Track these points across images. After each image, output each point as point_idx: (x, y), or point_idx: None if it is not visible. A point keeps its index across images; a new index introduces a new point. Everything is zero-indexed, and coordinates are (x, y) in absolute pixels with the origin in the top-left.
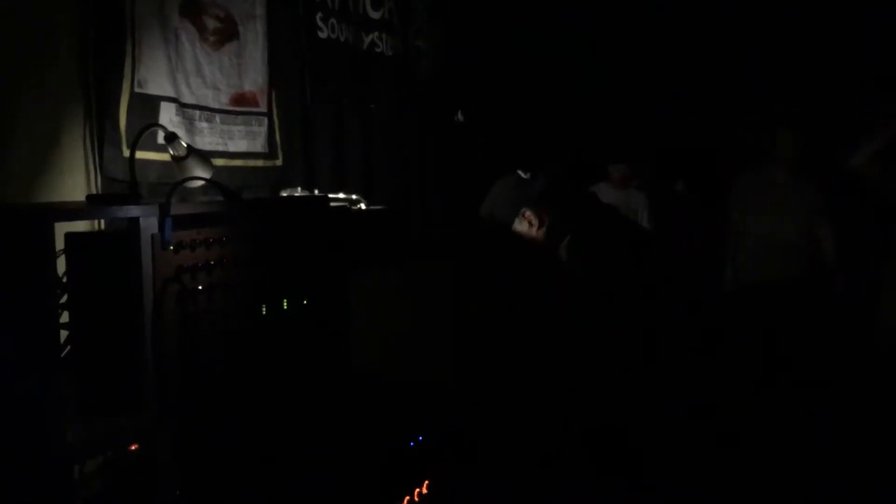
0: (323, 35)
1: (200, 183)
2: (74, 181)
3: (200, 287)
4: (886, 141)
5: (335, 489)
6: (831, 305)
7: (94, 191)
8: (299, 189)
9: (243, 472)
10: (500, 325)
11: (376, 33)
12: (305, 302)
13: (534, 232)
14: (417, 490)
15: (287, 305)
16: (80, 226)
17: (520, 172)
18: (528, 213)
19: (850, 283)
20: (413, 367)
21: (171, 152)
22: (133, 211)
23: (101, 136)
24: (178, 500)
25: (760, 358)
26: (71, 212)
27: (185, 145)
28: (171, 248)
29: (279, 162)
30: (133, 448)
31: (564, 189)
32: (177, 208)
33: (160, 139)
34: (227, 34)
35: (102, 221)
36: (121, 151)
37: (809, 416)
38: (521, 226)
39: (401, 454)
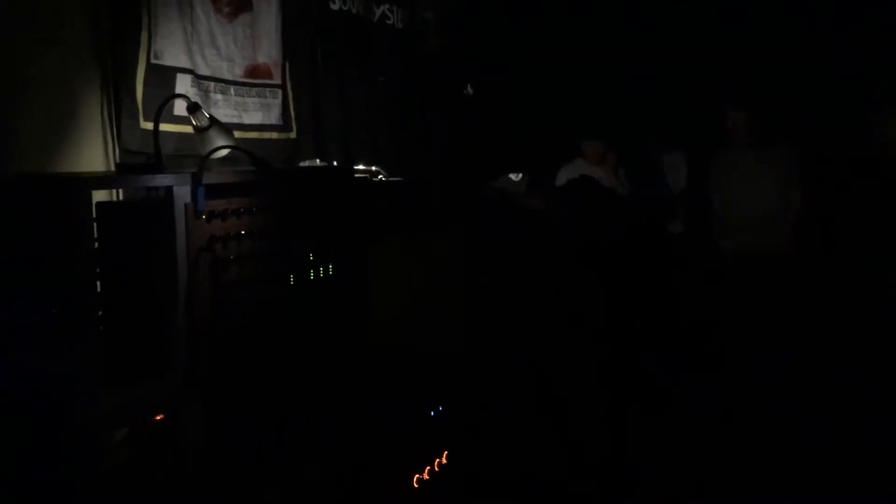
0: (335, 6)
1: (225, 153)
2: (91, 152)
3: (232, 256)
4: None
5: (357, 457)
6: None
7: (111, 162)
8: (318, 161)
9: (267, 435)
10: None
11: (386, 5)
12: (331, 271)
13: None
14: (437, 460)
15: (313, 274)
16: (100, 195)
17: (511, 176)
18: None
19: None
20: (431, 334)
21: (194, 123)
22: (167, 180)
23: (119, 107)
24: (205, 462)
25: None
26: (108, 180)
27: (207, 116)
28: (204, 216)
29: (293, 134)
30: (158, 418)
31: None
32: (209, 177)
33: (176, 111)
34: (240, 5)
35: (121, 192)
36: (138, 123)
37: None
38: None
39: (422, 424)
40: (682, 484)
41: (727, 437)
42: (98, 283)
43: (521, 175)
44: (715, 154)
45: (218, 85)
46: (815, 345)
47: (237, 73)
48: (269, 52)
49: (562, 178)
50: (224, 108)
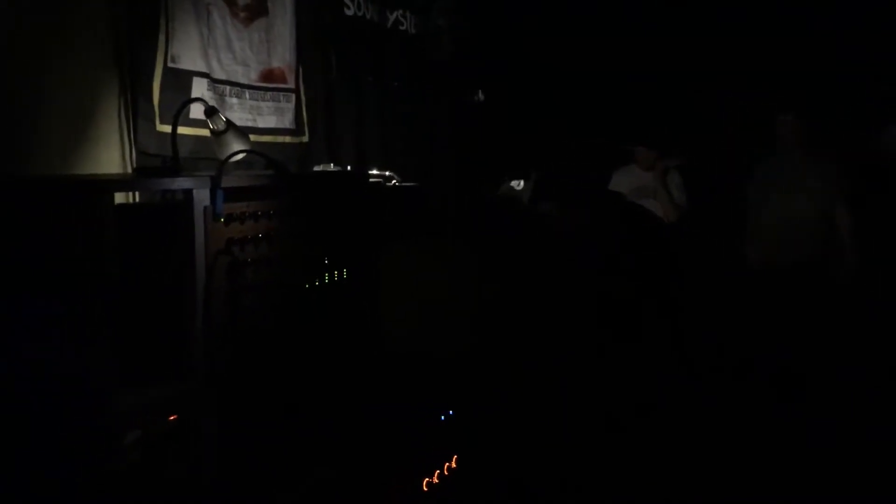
0: (349, 12)
1: (242, 156)
2: (109, 155)
3: (249, 259)
4: None
5: (367, 460)
6: (840, 286)
7: (128, 164)
8: (332, 165)
9: (279, 437)
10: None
11: (400, 11)
12: (345, 275)
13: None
14: (447, 464)
15: (328, 278)
16: (117, 197)
17: (513, 184)
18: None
19: (860, 265)
20: (439, 338)
21: (211, 126)
22: (187, 183)
23: (135, 110)
24: (218, 463)
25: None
26: (128, 183)
27: (224, 119)
28: (222, 220)
29: (305, 138)
30: (172, 419)
31: (554, 187)
32: (227, 181)
33: (192, 114)
34: (256, 11)
35: (137, 194)
36: (154, 125)
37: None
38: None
39: (431, 428)
40: (687, 486)
41: (735, 442)
42: (116, 284)
43: (522, 182)
44: (759, 161)
45: (233, 89)
46: (846, 353)
47: (252, 77)
48: (283, 56)
49: (615, 182)
50: (239, 112)
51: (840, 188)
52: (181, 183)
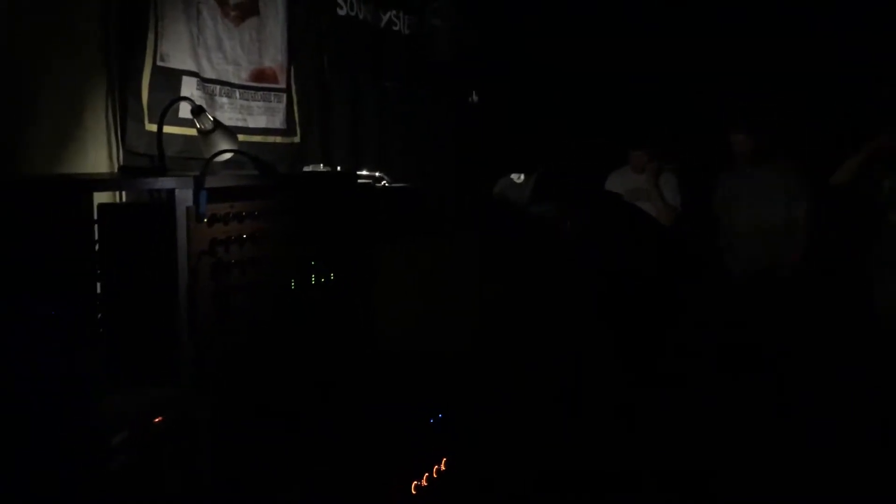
0: (342, 12)
1: (228, 156)
2: (97, 154)
3: (233, 260)
4: (868, 155)
5: (357, 462)
6: (817, 286)
7: (115, 164)
8: (321, 165)
9: (265, 440)
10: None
11: (394, 11)
12: (332, 276)
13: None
14: (436, 467)
15: (315, 279)
16: (102, 197)
17: (513, 177)
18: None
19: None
20: (433, 340)
21: (198, 126)
22: (168, 183)
23: (124, 109)
24: (204, 465)
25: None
26: (110, 182)
27: (211, 119)
28: (205, 220)
29: (297, 139)
30: (157, 421)
31: (555, 186)
32: (211, 181)
33: (181, 113)
34: (248, 10)
35: (124, 193)
36: (143, 125)
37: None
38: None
39: (421, 430)
40: (687, 486)
41: (735, 442)
42: (98, 284)
43: (522, 176)
44: (720, 172)
45: (223, 88)
46: (823, 353)
47: (243, 76)
48: (274, 56)
49: (609, 183)
50: (229, 112)
51: (798, 192)
52: (163, 183)
